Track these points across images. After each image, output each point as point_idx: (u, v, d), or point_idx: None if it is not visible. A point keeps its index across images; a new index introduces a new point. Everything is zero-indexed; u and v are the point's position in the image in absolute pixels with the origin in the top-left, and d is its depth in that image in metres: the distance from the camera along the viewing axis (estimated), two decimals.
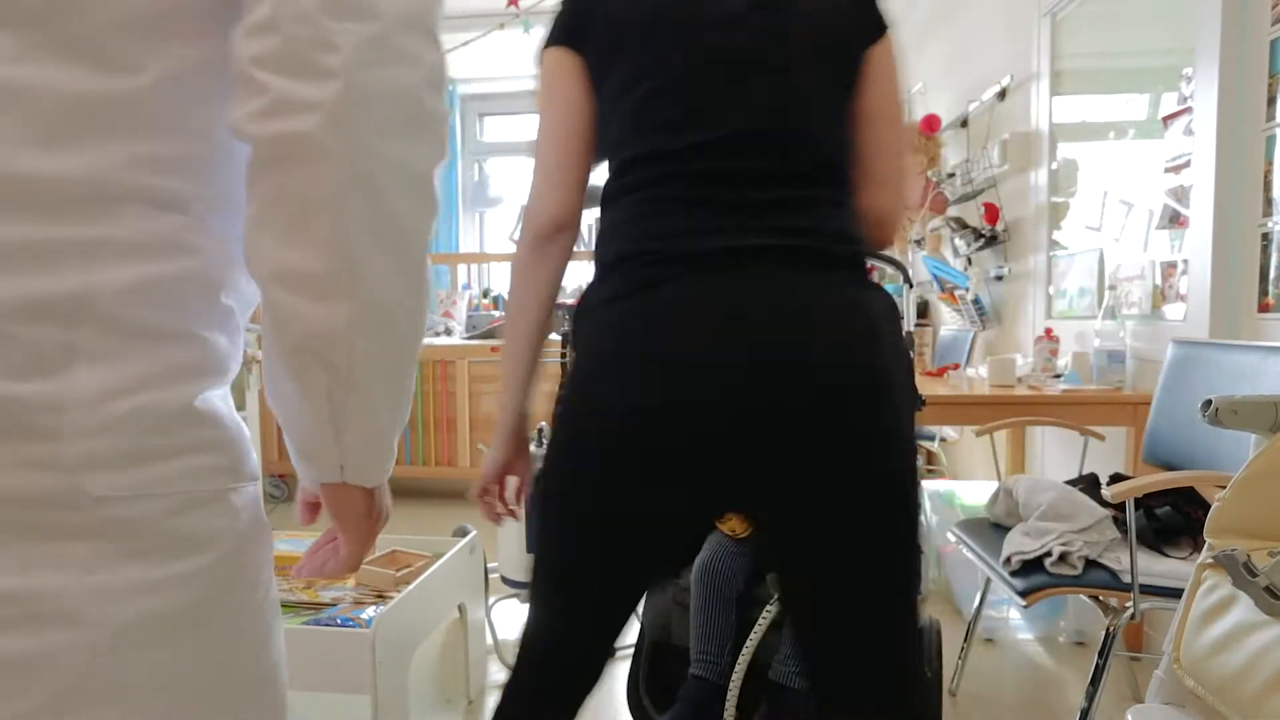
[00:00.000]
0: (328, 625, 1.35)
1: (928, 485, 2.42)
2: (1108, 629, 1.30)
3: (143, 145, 0.44)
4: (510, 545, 2.18)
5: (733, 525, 1.28)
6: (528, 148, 0.96)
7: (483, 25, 3.61)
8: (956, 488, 2.45)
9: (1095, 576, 1.33)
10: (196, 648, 0.46)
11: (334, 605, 1.46)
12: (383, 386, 0.49)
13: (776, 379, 0.69)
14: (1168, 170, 1.87)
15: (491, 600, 2.12)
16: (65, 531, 0.42)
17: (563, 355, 2.28)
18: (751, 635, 1.11)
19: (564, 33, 0.85)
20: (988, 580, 1.74)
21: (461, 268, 4.91)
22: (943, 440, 3.06)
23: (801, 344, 0.70)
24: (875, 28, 0.85)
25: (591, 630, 0.83)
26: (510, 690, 0.85)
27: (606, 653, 0.85)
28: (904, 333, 1.35)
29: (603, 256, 0.79)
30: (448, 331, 4.21)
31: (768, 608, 1.14)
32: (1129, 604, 1.28)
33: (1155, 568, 1.31)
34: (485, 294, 4.81)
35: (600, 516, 0.78)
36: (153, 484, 0.44)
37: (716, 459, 0.71)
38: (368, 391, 0.48)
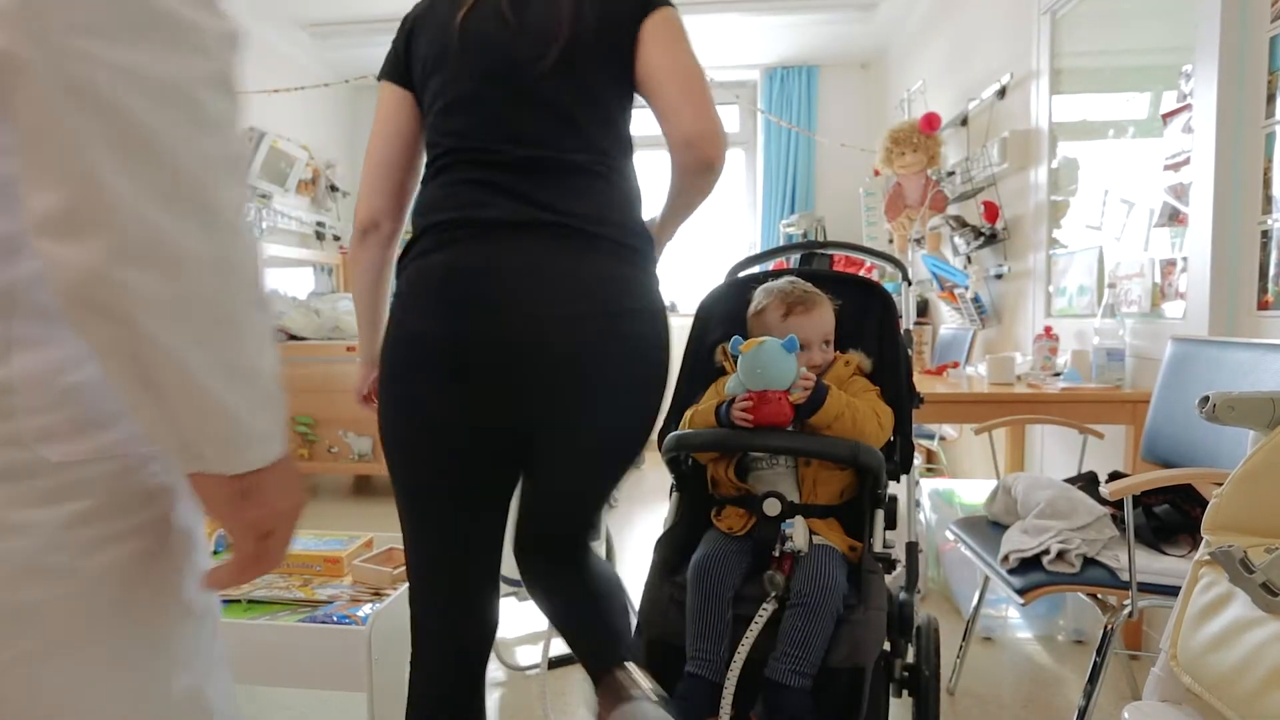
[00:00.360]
0: (324, 623, 1.34)
1: (927, 484, 2.42)
2: (1106, 627, 1.30)
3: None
4: (507, 543, 2.17)
5: (729, 522, 1.27)
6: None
7: None
8: (956, 486, 2.44)
9: (1093, 574, 1.33)
10: (151, 589, 0.51)
11: (330, 603, 1.45)
12: (192, 338, 0.43)
13: (492, 318, 0.95)
14: (1167, 167, 1.87)
15: None
16: (33, 498, 0.45)
17: None
18: (748, 633, 1.10)
19: (390, 68, 1.12)
20: (986, 578, 1.74)
21: None
22: (942, 439, 3.05)
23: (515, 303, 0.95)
24: (643, 7, 1.02)
25: (450, 549, 1.09)
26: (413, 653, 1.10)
27: (483, 586, 1.13)
28: (902, 330, 1.37)
29: (415, 224, 1.05)
30: None
31: (764, 605, 1.13)
32: (1127, 602, 1.28)
33: (1154, 566, 1.31)
34: None
35: (409, 400, 1.00)
36: (104, 449, 0.47)
37: (460, 366, 0.97)
38: (171, 345, 0.42)
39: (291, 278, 4.22)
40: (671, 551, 1.28)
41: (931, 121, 3.21)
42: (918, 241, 3.36)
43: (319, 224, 4.44)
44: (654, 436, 1.19)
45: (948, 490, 2.43)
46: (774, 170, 4.68)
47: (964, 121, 3.15)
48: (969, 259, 2.97)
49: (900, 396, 1.30)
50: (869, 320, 1.38)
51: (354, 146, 4.98)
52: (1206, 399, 0.90)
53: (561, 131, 1.00)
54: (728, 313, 1.43)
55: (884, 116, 4.31)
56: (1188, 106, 1.79)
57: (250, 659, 1.32)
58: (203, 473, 0.47)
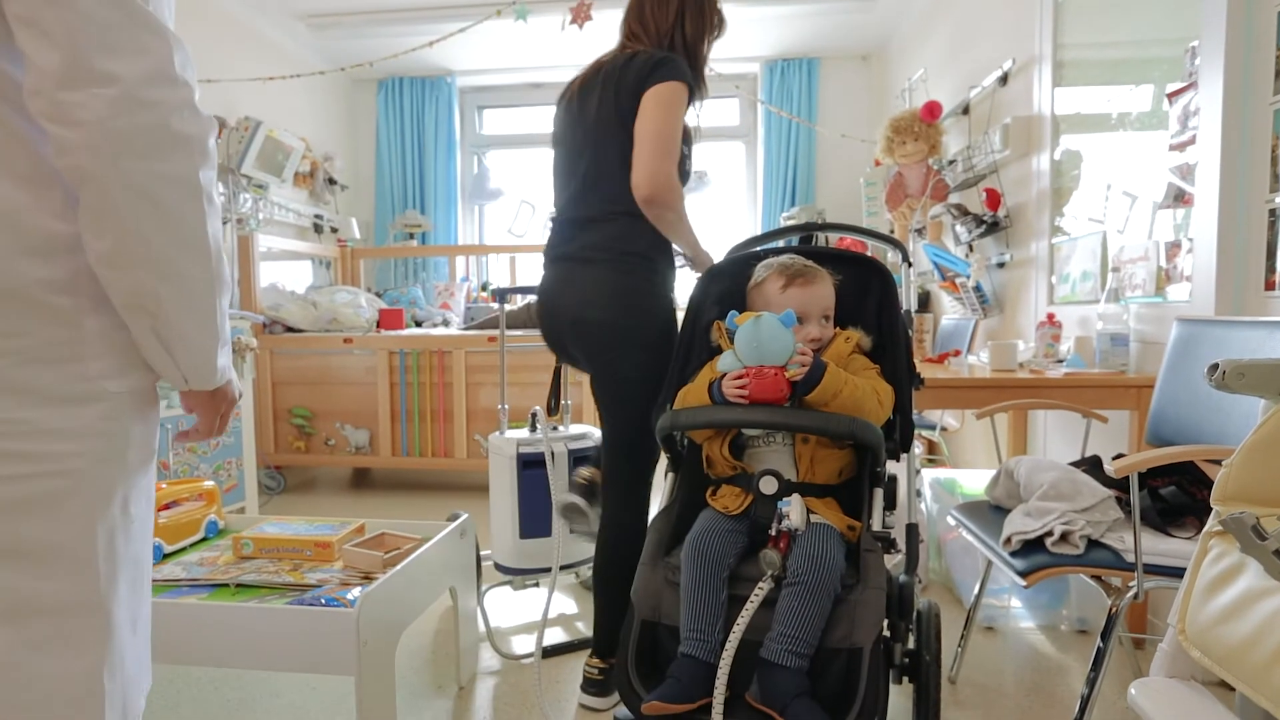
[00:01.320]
0: (312, 605, 1.32)
1: (928, 474, 2.39)
2: (1110, 609, 1.27)
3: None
4: (504, 532, 2.15)
5: (725, 502, 1.25)
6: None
7: (477, 14, 3.58)
8: (958, 475, 2.41)
9: (1098, 556, 1.30)
10: (145, 448, 0.82)
11: (319, 586, 1.43)
12: (190, 320, 0.77)
13: (552, 315, 1.67)
14: (1172, 148, 1.84)
15: (484, 588, 2.10)
16: (95, 416, 0.74)
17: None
18: (743, 613, 1.07)
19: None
20: (988, 565, 1.71)
21: (460, 260, 4.89)
22: (943, 429, 3.02)
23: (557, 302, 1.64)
24: (648, 81, 1.51)
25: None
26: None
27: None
28: (902, 310, 1.35)
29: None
30: (445, 323, 4.18)
31: (759, 585, 1.10)
32: (1132, 584, 1.25)
33: (1160, 547, 1.28)
34: (484, 287, 4.78)
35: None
36: (135, 384, 0.78)
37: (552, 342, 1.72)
38: (180, 325, 0.76)
39: (289, 271, 4.20)
40: (666, 531, 1.27)
41: (933, 110, 3.17)
42: (919, 231, 3.33)
43: (317, 217, 4.42)
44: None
45: (949, 479, 2.39)
46: (774, 162, 4.65)
47: (965, 110, 3.12)
48: (970, 247, 2.94)
49: (900, 375, 1.28)
50: (869, 298, 1.36)
51: (353, 140, 4.96)
52: (1215, 366, 0.87)
53: (588, 197, 1.60)
54: (724, 291, 1.42)
55: (885, 108, 4.27)
56: (1193, 85, 1.76)
57: (238, 643, 1.29)
58: (189, 390, 0.84)
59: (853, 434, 1.13)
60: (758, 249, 1.47)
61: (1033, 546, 1.34)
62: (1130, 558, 1.26)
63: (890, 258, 3.96)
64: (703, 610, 1.11)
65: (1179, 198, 1.82)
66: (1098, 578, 1.33)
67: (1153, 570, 1.26)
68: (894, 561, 1.23)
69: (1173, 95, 1.84)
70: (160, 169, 0.69)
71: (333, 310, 3.69)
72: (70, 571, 0.73)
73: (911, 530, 1.33)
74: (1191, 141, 1.76)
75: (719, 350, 1.32)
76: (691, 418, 1.22)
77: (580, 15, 3.43)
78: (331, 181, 4.53)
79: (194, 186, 0.72)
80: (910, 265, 1.50)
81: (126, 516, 0.78)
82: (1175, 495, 1.38)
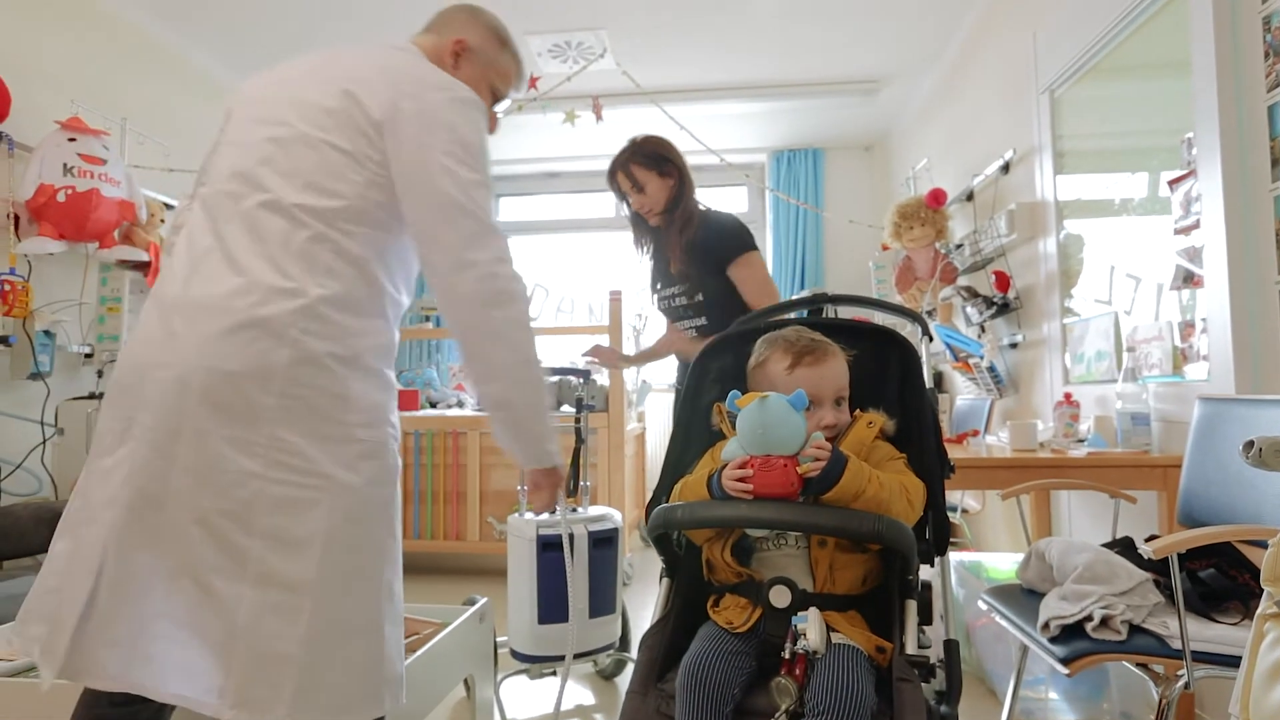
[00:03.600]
0: None
1: (953, 557, 2.33)
2: (1161, 701, 1.22)
3: None
4: (522, 617, 2.09)
5: (729, 616, 1.07)
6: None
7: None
8: (983, 558, 2.36)
9: (1142, 642, 1.26)
10: (389, 511, 1.16)
11: None
12: (531, 414, 1.13)
13: None
14: (1177, 232, 1.89)
15: (500, 676, 2.03)
16: (351, 451, 1.06)
17: (576, 421, 2.27)
18: None
19: None
20: (1024, 653, 1.65)
21: None
22: (964, 511, 2.97)
23: None
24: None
25: None
26: None
27: None
28: (923, 379, 1.22)
29: None
30: (459, 404, 4.20)
31: None
32: (1181, 673, 1.20)
33: (1206, 633, 1.23)
34: None
35: None
36: (377, 435, 1.09)
37: None
38: (525, 418, 1.13)
39: None
40: (660, 650, 1.08)
41: (938, 196, 3.28)
42: (929, 313, 3.38)
43: None
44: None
45: (974, 563, 2.34)
46: (784, 247, 4.77)
47: (969, 196, 3.22)
48: (982, 328, 2.97)
49: (930, 464, 1.12)
50: (888, 375, 1.22)
51: None
52: (1251, 443, 0.88)
53: None
54: (725, 368, 1.27)
55: (889, 194, 4.42)
56: (1192, 173, 1.83)
57: None
58: (530, 467, 1.20)
59: (880, 536, 0.94)
60: (760, 323, 1.32)
61: (1073, 632, 1.30)
62: (1175, 644, 1.22)
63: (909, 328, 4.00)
64: None
65: (1188, 279, 1.86)
66: (1143, 665, 1.28)
67: (1201, 658, 1.21)
68: (930, 684, 1.05)
69: (1173, 183, 1.91)
70: (504, 315, 1.08)
71: None
72: (299, 560, 0.99)
73: (952, 649, 1.09)
74: (1196, 226, 1.82)
75: (721, 435, 1.18)
76: (688, 515, 1.03)
77: (594, 109, 3.62)
78: None
79: (525, 324, 1.10)
80: (931, 339, 1.45)
81: (358, 530, 1.05)
82: (1215, 578, 1.35)
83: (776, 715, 0.94)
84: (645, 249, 2.20)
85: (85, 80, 2.87)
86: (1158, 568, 1.40)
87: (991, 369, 2.84)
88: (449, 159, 1.08)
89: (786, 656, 0.98)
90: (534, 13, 3.20)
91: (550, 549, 2.04)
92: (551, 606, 2.04)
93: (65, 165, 2.50)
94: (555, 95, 3.65)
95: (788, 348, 1.15)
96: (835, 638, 1.01)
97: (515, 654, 2.12)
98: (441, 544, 3.50)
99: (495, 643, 1.99)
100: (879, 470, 1.06)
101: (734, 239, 2.05)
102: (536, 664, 2.10)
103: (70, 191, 2.48)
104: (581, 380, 2.26)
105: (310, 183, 1.05)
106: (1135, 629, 1.28)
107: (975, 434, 2.53)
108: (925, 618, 1.06)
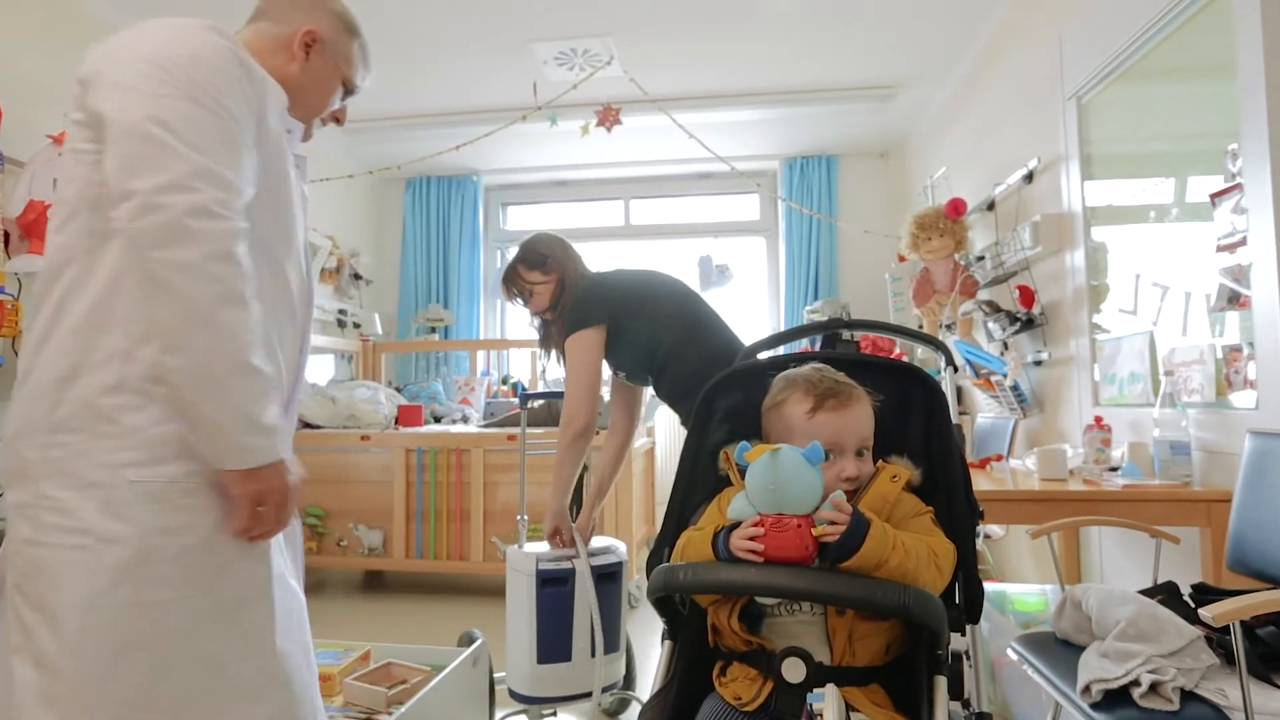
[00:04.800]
0: None
1: None
2: None
3: None
4: (520, 655, 1.99)
5: (736, 690, 0.98)
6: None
7: (506, 118, 3.70)
8: (1008, 590, 2.23)
9: (1196, 712, 1.13)
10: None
11: None
12: (202, 394, 0.87)
13: None
14: (1221, 249, 1.76)
15: (499, 716, 1.93)
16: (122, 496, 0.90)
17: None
18: None
19: None
20: (1058, 707, 1.52)
21: (481, 354, 4.88)
22: (987, 537, 2.84)
23: None
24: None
25: None
26: None
27: None
28: (950, 422, 1.12)
29: None
30: (465, 418, 4.11)
31: None
32: None
33: (1271, 705, 1.11)
34: (504, 380, 4.74)
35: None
36: (163, 473, 0.92)
37: None
38: (191, 398, 0.87)
39: (311, 365, 4.20)
40: None
41: (957, 206, 3.16)
42: (949, 327, 3.25)
43: (341, 311, 4.46)
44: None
45: (999, 594, 2.21)
46: (796, 257, 4.65)
47: (990, 206, 3.09)
48: (1005, 345, 2.84)
49: (960, 519, 1.02)
50: (912, 417, 1.11)
51: (380, 236, 5.07)
52: None
53: None
54: (732, 407, 1.16)
55: (906, 203, 4.29)
56: (1238, 187, 1.70)
57: None
58: (222, 470, 0.91)
59: (907, 610, 0.85)
60: (771, 357, 1.22)
61: (1117, 698, 1.18)
62: (1236, 716, 1.10)
63: (920, 354, 3.87)
64: None
65: (1233, 300, 1.73)
66: None
67: None
68: None
69: (1216, 196, 1.78)
70: (168, 257, 0.84)
71: (351, 406, 3.65)
72: (58, 637, 0.85)
73: None
74: (1242, 243, 1.69)
75: (728, 481, 1.09)
76: (691, 578, 0.93)
77: (608, 119, 3.53)
78: (357, 277, 4.59)
79: (202, 273, 0.85)
80: (955, 370, 1.34)
81: (134, 592, 0.87)
82: (1276, 636, 1.23)
83: None
84: (550, 355, 2.08)
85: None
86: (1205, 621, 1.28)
87: (1015, 387, 2.71)
88: (125, 78, 0.88)
89: None
90: (539, 20, 3.11)
91: (550, 584, 1.94)
92: (552, 645, 1.94)
93: (56, 180, 2.43)
94: (562, 104, 3.56)
95: (809, 389, 1.05)
96: (855, 717, 0.91)
97: (513, 694, 2.02)
98: (443, 564, 3.41)
99: (492, 680, 1.89)
100: (904, 529, 0.96)
101: (567, 323, 1.90)
102: (535, 705, 2.00)
103: None
104: None
105: None
106: (1188, 695, 1.16)
107: (999, 458, 2.40)
108: (956, 693, 0.96)
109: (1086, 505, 1.80)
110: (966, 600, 1.02)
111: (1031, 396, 2.74)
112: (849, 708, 0.91)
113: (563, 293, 1.97)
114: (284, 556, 1.04)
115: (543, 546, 2.04)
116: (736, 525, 0.96)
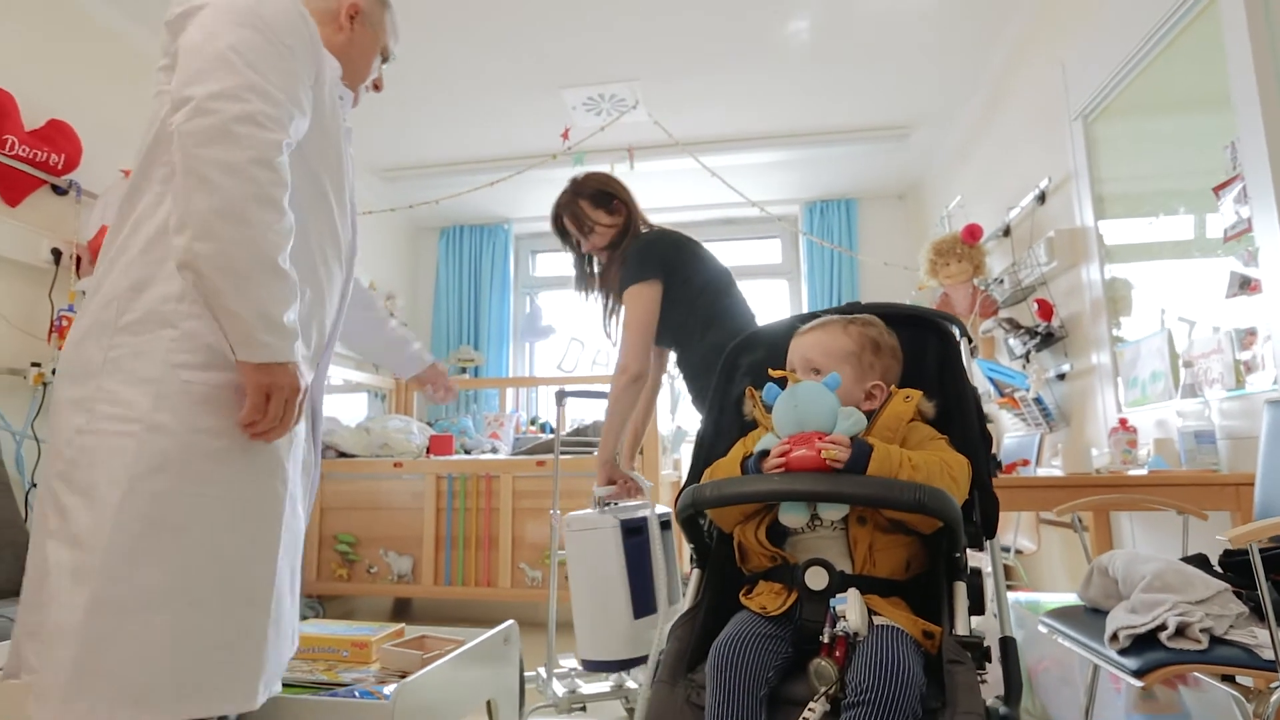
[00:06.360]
0: (347, 698, 1.22)
1: (1009, 596, 2.18)
2: (1259, 717, 1.09)
3: None
4: (613, 616, 1.86)
5: (762, 601, 1.01)
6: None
7: (534, 163, 3.91)
8: (1041, 597, 2.20)
9: (1225, 653, 1.13)
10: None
11: (354, 685, 1.33)
12: (227, 282, 0.93)
13: None
14: (1229, 238, 1.82)
15: (527, 710, 1.92)
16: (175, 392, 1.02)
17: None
18: None
19: None
20: (1094, 677, 1.50)
21: (510, 393, 4.98)
22: (1018, 552, 2.80)
23: None
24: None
25: None
26: None
27: None
28: (963, 363, 1.19)
29: None
30: (494, 450, 4.18)
31: (809, 707, 0.85)
32: (1276, 684, 1.07)
33: None
34: (533, 421, 4.82)
35: None
36: (213, 375, 1.03)
37: None
38: (217, 285, 0.93)
39: (344, 403, 4.33)
40: (689, 641, 1.02)
41: (974, 232, 3.24)
42: (971, 349, 3.29)
43: None
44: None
45: (1033, 602, 2.18)
46: (818, 296, 4.74)
47: (1006, 232, 3.18)
48: (1027, 359, 2.87)
49: (974, 445, 1.06)
50: (926, 359, 1.18)
51: (414, 281, 5.28)
52: None
53: None
54: (755, 363, 1.25)
55: (924, 242, 4.39)
56: (1238, 177, 1.77)
57: None
58: (239, 362, 0.98)
59: (922, 505, 0.87)
60: (793, 317, 1.31)
61: (1145, 642, 1.18)
62: (1266, 654, 1.10)
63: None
64: None
65: (1244, 285, 1.78)
66: (1227, 679, 1.15)
67: None
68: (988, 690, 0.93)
69: (1219, 189, 1.85)
70: (212, 154, 0.92)
71: (385, 436, 3.74)
72: (95, 514, 0.92)
73: (1009, 647, 0.99)
74: (1248, 229, 1.75)
75: (753, 425, 1.15)
76: (716, 492, 0.97)
77: (630, 157, 3.72)
78: (391, 317, 4.77)
79: (242, 173, 0.93)
80: (971, 342, 1.40)
81: (170, 481, 0.94)
82: None
83: (815, 699, 0.86)
84: (591, 293, 2.07)
85: None
86: (1235, 581, 1.28)
87: (1038, 400, 2.72)
88: (205, 19, 1.00)
89: (825, 640, 0.91)
90: (569, 66, 3.34)
91: (632, 534, 1.90)
92: (645, 598, 1.88)
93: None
94: (588, 147, 3.76)
95: (803, 323, 1.18)
96: (877, 620, 0.93)
97: (593, 664, 1.92)
98: (472, 590, 3.42)
99: (522, 675, 1.90)
100: (919, 451, 1.00)
101: (627, 270, 1.88)
102: (625, 670, 1.93)
103: None
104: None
105: None
106: (1216, 640, 1.16)
107: (1025, 464, 2.40)
108: (976, 606, 0.97)
109: (1113, 491, 1.80)
110: (983, 516, 1.04)
111: (1056, 411, 2.75)
112: (871, 612, 0.93)
113: (623, 238, 1.96)
114: (299, 486, 1.12)
115: (586, 512, 1.99)
116: (765, 454, 1.02)
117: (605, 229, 1.97)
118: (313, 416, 1.19)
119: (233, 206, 0.92)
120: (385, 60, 1.34)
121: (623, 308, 1.88)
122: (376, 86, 1.36)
